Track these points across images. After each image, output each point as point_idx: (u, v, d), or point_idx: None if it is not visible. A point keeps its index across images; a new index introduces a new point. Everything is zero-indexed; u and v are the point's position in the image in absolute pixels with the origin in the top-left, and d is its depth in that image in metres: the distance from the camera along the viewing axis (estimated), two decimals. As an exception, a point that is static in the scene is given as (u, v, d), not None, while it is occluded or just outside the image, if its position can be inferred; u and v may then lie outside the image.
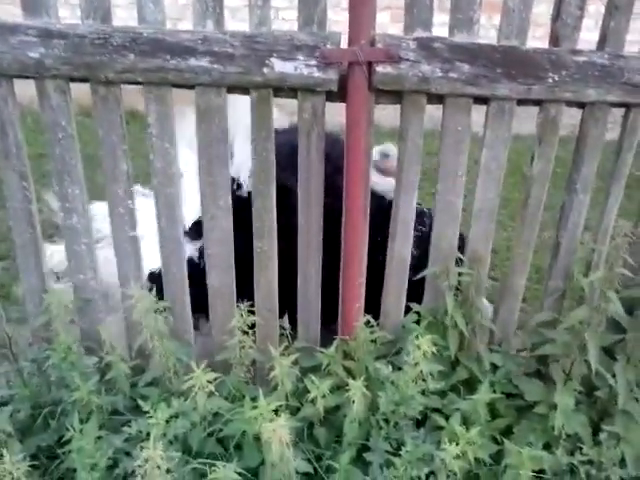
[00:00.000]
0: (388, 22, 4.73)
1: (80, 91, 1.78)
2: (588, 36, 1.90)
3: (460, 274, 1.91)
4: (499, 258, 3.05)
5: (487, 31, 1.80)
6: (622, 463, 1.82)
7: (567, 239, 1.96)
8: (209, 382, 1.71)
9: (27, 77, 1.72)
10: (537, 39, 1.90)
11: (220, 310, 2.02)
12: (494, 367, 2.00)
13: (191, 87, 1.74)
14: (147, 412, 1.68)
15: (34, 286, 1.98)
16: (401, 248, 1.96)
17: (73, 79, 1.73)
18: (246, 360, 1.92)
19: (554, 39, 1.76)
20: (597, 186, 1.93)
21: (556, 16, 1.74)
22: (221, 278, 1.98)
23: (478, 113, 1.84)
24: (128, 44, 1.66)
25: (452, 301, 1.87)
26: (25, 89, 1.78)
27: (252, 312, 1.86)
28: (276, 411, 1.64)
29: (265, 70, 1.68)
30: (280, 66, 1.67)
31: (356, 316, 1.97)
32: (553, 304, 2.05)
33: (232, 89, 1.75)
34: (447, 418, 1.83)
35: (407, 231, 1.94)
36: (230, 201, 1.88)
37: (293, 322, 2.06)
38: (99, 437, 1.73)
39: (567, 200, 1.93)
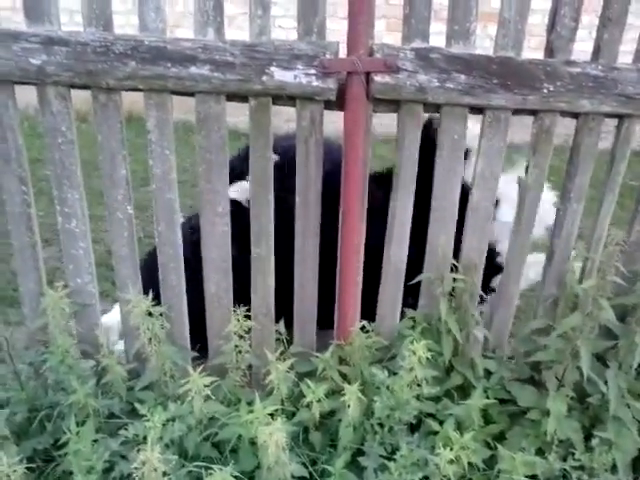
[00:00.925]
0: (384, 30, 4.75)
1: (76, 97, 1.80)
2: (582, 46, 1.92)
3: (454, 280, 1.93)
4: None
5: (482, 40, 1.83)
6: (614, 469, 1.84)
7: (561, 247, 1.99)
8: (205, 386, 1.73)
9: (28, 83, 1.74)
10: (532, 49, 1.93)
11: (217, 315, 2.04)
12: (488, 373, 2.01)
13: (191, 94, 1.76)
14: (144, 415, 1.69)
15: (31, 289, 1.99)
16: (397, 253, 1.98)
17: (74, 86, 1.75)
18: (242, 364, 1.94)
19: (549, 50, 1.79)
20: (590, 194, 1.95)
21: (551, 28, 1.77)
22: (218, 283, 2.00)
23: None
24: (130, 52, 1.68)
25: (446, 307, 1.89)
26: (22, 94, 1.79)
27: (248, 317, 1.88)
28: (272, 415, 1.65)
29: (264, 78, 1.70)
30: (279, 75, 1.70)
31: (352, 321, 1.99)
32: (546, 311, 2.07)
33: (232, 97, 1.77)
34: (441, 423, 1.85)
35: (403, 236, 1.96)
36: (228, 207, 1.90)
37: (289, 327, 2.07)
38: (95, 440, 1.74)
39: (561, 209, 1.96)
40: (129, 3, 3.48)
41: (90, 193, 2.00)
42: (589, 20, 2.17)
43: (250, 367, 2.02)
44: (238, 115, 2.09)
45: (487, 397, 1.90)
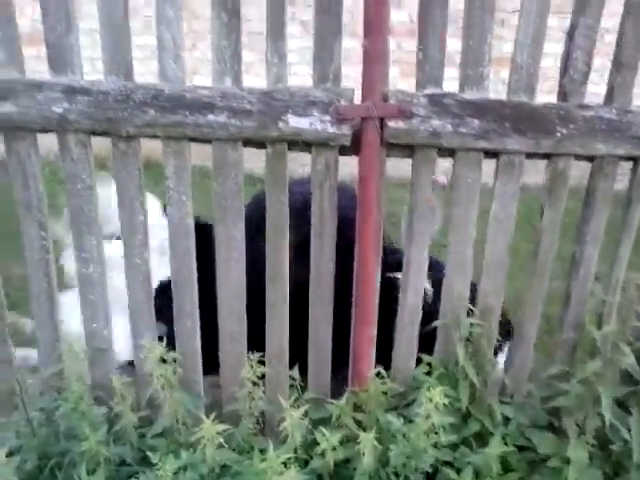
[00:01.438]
0: (398, 76, 4.81)
1: (95, 143, 1.83)
2: (593, 89, 1.94)
3: (472, 325, 1.91)
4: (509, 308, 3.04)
5: (495, 85, 1.85)
6: (638, 520, 1.79)
7: (578, 290, 1.97)
8: (218, 433, 1.70)
9: (50, 131, 1.77)
10: (544, 92, 1.95)
11: (230, 360, 2.02)
12: (506, 419, 1.97)
13: (208, 141, 1.79)
14: (155, 464, 1.67)
15: (47, 335, 1.99)
16: (413, 300, 1.96)
17: (94, 133, 1.78)
18: (256, 411, 1.91)
19: (562, 94, 1.80)
20: (607, 235, 1.94)
21: (564, 71, 1.79)
22: (232, 329, 1.99)
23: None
24: (149, 100, 1.71)
25: (463, 352, 1.87)
26: (43, 140, 1.83)
27: (262, 362, 1.86)
28: (285, 464, 1.62)
29: (281, 125, 1.73)
30: (295, 121, 1.72)
31: (367, 368, 1.96)
32: (564, 355, 2.04)
33: (248, 143, 1.79)
34: (459, 472, 1.81)
35: (419, 283, 1.95)
36: (244, 253, 1.90)
37: (303, 373, 2.05)
38: (106, 489, 1.72)
39: (577, 251, 1.94)
40: (147, 50, 3.58)
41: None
42: (601, 63, 2.19)
43: (263, 413, 1.99)
44: (255, 161, 2.12)
45: (505, 444, 1.85)
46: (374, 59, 1.71)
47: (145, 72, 2.24)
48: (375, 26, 1.68)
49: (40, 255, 1.90)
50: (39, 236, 1.88)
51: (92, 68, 2.64)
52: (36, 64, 2.01)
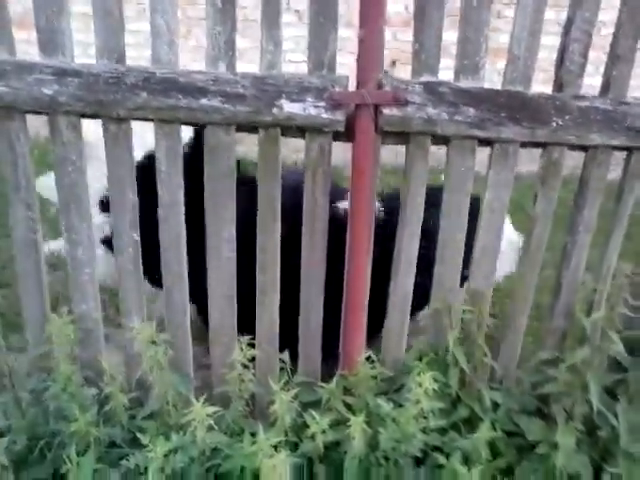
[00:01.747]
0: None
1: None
2: (589, 81, 1.94)
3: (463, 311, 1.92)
4: (498, 295, 3.06)
5: (490, 74, 1.85)
6: (624, 505, 1.81)
7: (569, 279, 1.98)
8: (208, 416, 1.71)
9: (40, 113, 1.75)
10: (539, 83, 1.95)
11: (221, 342, 2.02)
12: (495, 405, 1.99)
13: (201, 125, 1.78)
14: (145, 445, 1.67)
15: (35, 316, 1.98)
16: (404, 285, 1.97)
17: (85, 115, 1.76)
18: (246, 394, 1.92)
19: (558, 85, 1.81)
20: (597, 225, 1.95)
21: (560, 63, 1.79)
22: (222, 310, 1.99)
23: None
24: (141, 83, 1.70)
25: (454, 338, 1.88)
26: (32, 123, 1.81)
27: (252, 345, 1.86)
28: (275, 447, 1.63)
29: (274, 110, 1.72)
30: (289, 107, 1.71)
31: (357, 352, 1.97)
32: (554, 342, 2.05)
33: (241, 127, 1.78)
34: (448, 456, 1.83)
35: (410, 268, 1.95)
36: (234, 233, 1.90)
37: (293, 357, 2.06)
38: (96, 470, 1.72)
39: (569, 241, 1.95)
40: (140, 36, 3.55)
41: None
42: (596, 56, 2.20)
43: (253, 396, 2.00)
44: (248, 144, 2.11)
45: (494, 430, 1.87)
46: (369, 47, 1.69)
47: (138, 57, 2.22)
48: (371, 15, 1.67)
49: (27, 235, 1.89)
50: (26, 216, 1.87)
51: (83, 51, 2.62)
52: (27, 47, 1.99)
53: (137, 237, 1.90)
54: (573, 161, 1.93)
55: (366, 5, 1.67)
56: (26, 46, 1.99)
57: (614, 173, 1.91)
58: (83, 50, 3.25)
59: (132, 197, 1.86)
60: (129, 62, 1.74)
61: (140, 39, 3.62)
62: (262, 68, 1.74)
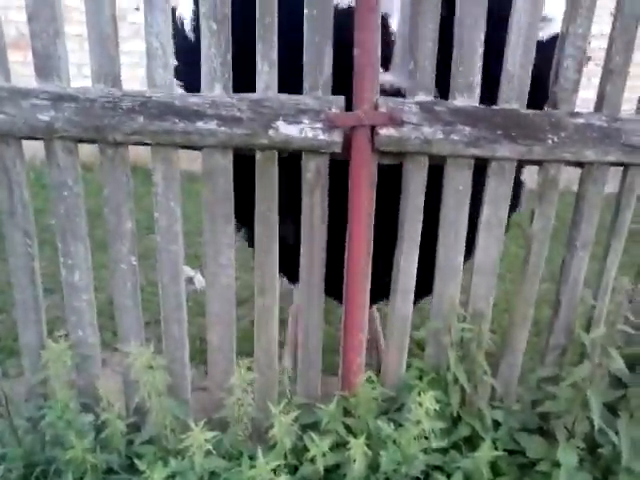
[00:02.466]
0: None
1: (82, 148, 1.81)
2: (581, 94, 1.95)
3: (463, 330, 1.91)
4: (497, 310, 3.05)
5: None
6: (627, 523, 1.80)
7: (568, 295, 1.98)
8: (206, 441, 1.69)
9: (36, 138, 1.74)
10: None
11: (219, 366, 2.00)
12: (496, 423, 1.98)
13: (198, 148, 1.78)
14: (143, 472, 1.65)
15: (32, 342, 1.96)
16: (402, 305, 1.96)
17: (81, 140, 1.76)
18: (244, 418, 1.90)
19: (553, 101, 1.81)
20: (596, 236, 1.95)
21: (555, 80, 1.79)
22: (221, 334, 1.97)
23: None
24: (138, 107, 1.69)
25: (454, 357, 1.87)
26: (28, 145, 1.80)
27: (250, 368, 1.84)
28: (275, 471, 1.61)
29: (271, 132, 1.72)
30: (285, 129, 1.71)
31: (357, 372, 1.96)
32: (554, 359, 2.05)
33: (238, 150, 1.78)
34: (449, 476, 1.82)
35: (409, 287, 1.94)
36: (233, 259, 1.89)
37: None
38: (93, 498, 1.69)
39: (567, 257, 1.95)
40: (135, 56, 3.55)
41: (92, 241, 1.98)
42: (587, 69, 2.21)
43: (252, 419, 1.98)
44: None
45: (495, 448, 1.86)
46: (365, 67, 1.69)
47: (132, 78, 2.22)
48: (366, 37, 1.67)
49: (25, 262, 1.87)
50: (24, 243, 1.85)
51: (78, 72, 2.62)
52: (22, 69, 1.98)
53: (135, 262, 1.89)
54: (567, 174, 1.93)
55: (361, 27, 1.67)
56: (22, 68, 1.97)
57: (611, 186, 1.91)
58: (78, 70, 3.27)
59: (130, 225, 1.85)
60: (123, 81, 1.74)
61: (135, 59, 3.64)
62: (259, 90, 1.73)
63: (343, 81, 1.73)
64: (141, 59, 1.73)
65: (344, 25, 1.70)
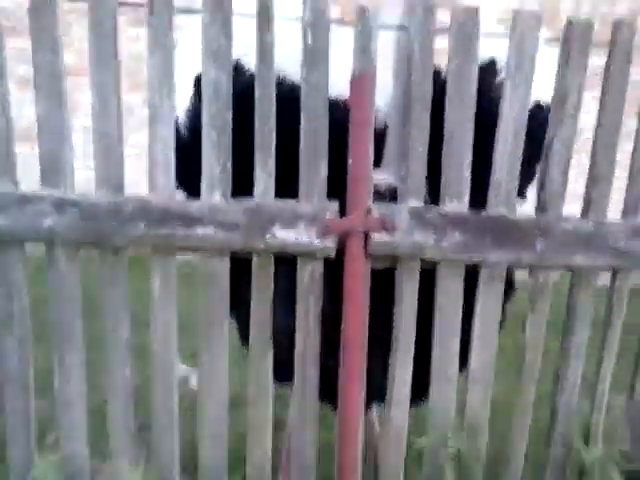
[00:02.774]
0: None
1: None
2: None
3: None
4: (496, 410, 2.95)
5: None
6: None
7: (564, 405, 1.95)
8: None
9: (38, 241, 1.77)
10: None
11: (211, 462, 1.94)
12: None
13: (195, 251, 1.81)
14: None
15: (21, 456, 1.90)
16: (397, 415, 1.92)
17: (83, 244, 1.79)
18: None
19: (540, 206, 1.85)
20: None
21: (542, 185, 1.84)
22: (212, 450, 1.93)
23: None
24: (138, 213, 1.74)
25: (451, 472, 1.80)
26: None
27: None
28: None
29: (267, 237, 1.75)
30: (282, 234, 1.75)
31: (352, 470, 1.88)
32: (555, 470, 1.97)
33: (235, 254, 1.81)
34: None
35: (404, 398, 1.90)
36: (227, 347, 1.87)
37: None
38: None
39: (562, 366, 1.94)
40: (141, 148, 3.65)
41: (88, 337, 1.97)
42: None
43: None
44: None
45: None
46: (358, 175, 1.75)
47: (135, 169, 2.28)
48: (360, 150, 1.73)
49: (18, 372, 1.85)
50: (17, 350, 1.84)
51: (83, 164, 2.68)
52: (31, 159, 2.02)
53: (128, 373, 1.88)
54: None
55: (355, 140, 1.73)
56: (31, 159, 2.01)
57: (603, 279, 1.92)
58: (82, 163, 3.34)
59: (125, 333, 1.85)
60: (125, 172, 1.79)
61: (139, 150, 3.73)
62: (257, 194, 1.78)
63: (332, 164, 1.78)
64: (142, 150, 1.78)
65: (333, 113, 1.77)
